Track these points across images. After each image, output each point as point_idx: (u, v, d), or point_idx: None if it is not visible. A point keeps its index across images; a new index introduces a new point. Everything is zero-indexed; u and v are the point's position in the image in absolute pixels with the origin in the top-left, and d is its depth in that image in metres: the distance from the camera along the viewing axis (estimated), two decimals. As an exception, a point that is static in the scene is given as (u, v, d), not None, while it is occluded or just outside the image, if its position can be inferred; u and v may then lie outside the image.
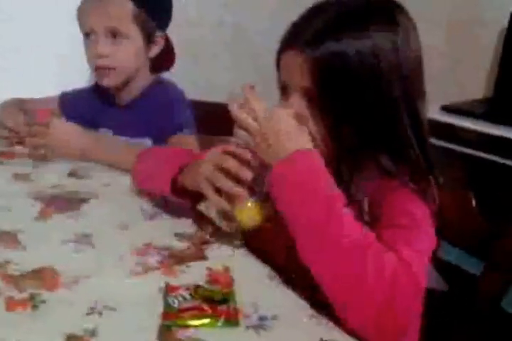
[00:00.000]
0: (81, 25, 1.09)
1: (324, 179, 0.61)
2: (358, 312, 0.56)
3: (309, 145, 0.63)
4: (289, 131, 0.62)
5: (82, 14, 1.08)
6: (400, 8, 0.66)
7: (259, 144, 0.63)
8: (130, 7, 1.07)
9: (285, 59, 0.66)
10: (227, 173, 0.67)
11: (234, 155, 0.67)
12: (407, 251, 0.58)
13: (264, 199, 0.68)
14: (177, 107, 1.13)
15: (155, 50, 1.13)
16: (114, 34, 1.06)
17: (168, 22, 1.15)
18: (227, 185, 0.67)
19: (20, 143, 1.09)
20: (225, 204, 0.69)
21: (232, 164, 0.66)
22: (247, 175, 0.66)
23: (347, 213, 0.59)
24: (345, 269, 0.56)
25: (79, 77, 1.48)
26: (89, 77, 1.35)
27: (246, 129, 0.64)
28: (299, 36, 0.64)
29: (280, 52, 0.67)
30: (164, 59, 1.17)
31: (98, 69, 1.09)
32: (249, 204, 0.68)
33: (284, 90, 0.68)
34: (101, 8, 1.05)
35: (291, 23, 0.67)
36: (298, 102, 0.65)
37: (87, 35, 1.08)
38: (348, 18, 0.63)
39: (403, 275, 0.56)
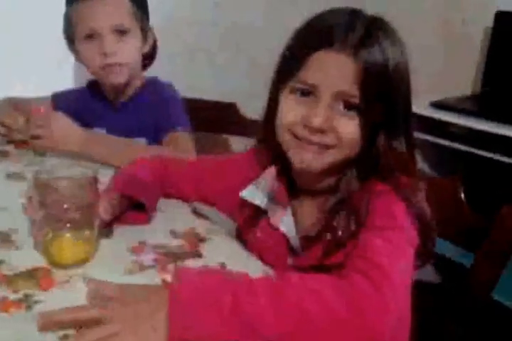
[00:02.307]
0: (79, 27, 1.07)
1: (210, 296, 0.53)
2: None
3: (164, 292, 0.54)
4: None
5: (80, 17, 1.07)
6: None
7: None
8: (128, 3, 1.08)
9: (322, 59, 0.63)
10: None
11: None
12: (381, 250, 0.59)
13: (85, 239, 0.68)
14: (171, 105, 1.13)
15: (147, 46, 1.14)
16: (119, 31, 1.06)
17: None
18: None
19: (17, 142, 1.10)
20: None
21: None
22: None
23: (258, 297, 0.53)
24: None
25: (68, 78, 1.47)
26: (76, 78, 1.34)
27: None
28: (343, 38, 0.62)
29: (310, 51, 0.63)
30: (150, 56, 1.18)
31: (107, 68, 1.08)
32: (64, 241, 0.67)
33: (309, 91, 0.65)
34: (102, 7, 1.05)
35: (319, 22, 0.65)
36: (329, 105, 0.64)
37: (88, 36, 1.06)
38: (380, 26, 0.65)
39: (353, 281, 0.55)
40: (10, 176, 0.97)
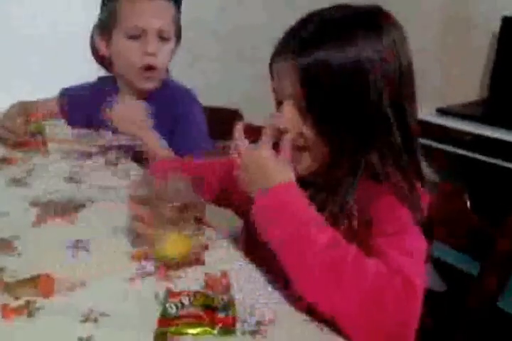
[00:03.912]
0: (126, 24, 1.07)
1: (298, 206, 0.64)
2: (346, 318, 0.57)
3: (287, 176, 0.66)
4: (267, 168, 0.66)
5: (128, 13, 1.07)
6: (387, 17, 0.67)
7: (242, 178, 0.68)
8: (173, 10, 1.10)
9: (276, 68, 0.69)
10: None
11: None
12: (399, 257, 0.59)
13: (191, 233, 0.71)
14: (187, 103, 1.14)
15: (175, 53, 1.15)
16: (162, 37, 1.08)
17: None
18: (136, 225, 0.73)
19: (19, 144, 1.10)
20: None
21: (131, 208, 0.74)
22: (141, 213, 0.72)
23: (322, 232, 0.61)
24: (324, 281, 0.58)
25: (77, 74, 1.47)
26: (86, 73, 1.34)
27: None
28: (287, 45, 0.66)
29: (272, 61, 0.69)
30: None
31: (144, 72, 1.10)
32: (171, 237, 0.70)
33: (278, 98, 0.70)
34: (153, 8, 1.07)
35: (282, 34, 0.68)
36: (290, 109, 0.67)
37: (133, 35, 1.07)
38: (333, 27, 0.65)
39: (391, 279, 0.57)
40: (12, 182, 0.97)
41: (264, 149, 0.67)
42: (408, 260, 0.60)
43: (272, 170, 0.66)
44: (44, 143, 1.11)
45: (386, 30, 0.65)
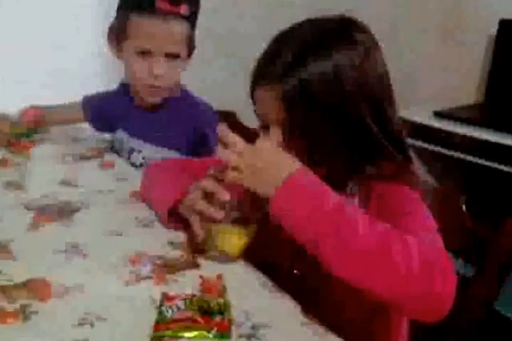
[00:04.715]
0: (135, 42, 1.05)
1: (323, 192, 0.60)
2: (398, 294, 0.56)
3: (297, 164, 0.62)
4: (275, 161, 0.62)
5: (138, 32, 1.04)
6: (357, 26, 0.68)
7: (249, 177, 0.63)
8: (187, 29, 1.07)
9: (258, 93, 0.68)
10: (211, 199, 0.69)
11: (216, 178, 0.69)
12: (423, 233, 0.60)
13: (244, 226, 0.70)
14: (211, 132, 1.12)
15: (188, 63, 1.14)
16: (171, 56, 1.06)
17: None
18: (203, 206, 0.69)
19: (7, 144, 1.12)
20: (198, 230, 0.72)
21: (210, 185, 0.69)
22: (225, 195, 0.67)
23: (357, 214, 0.59)
24: (376, 267, 0.56)
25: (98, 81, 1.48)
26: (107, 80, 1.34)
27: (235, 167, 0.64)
28: (267, 71, 0.67)
29: (253, 87, 0.69)
30: None
31: (149, 89, 1.09)
32: (228, 230, 0.70)
33: (263, 122, 0.70)
34: (166, 31, 1.03)
35: (258, 59, 0.69)
36: (276, 134, 0.67)
37: (141, 52, 1.05)
38: (309, 46, 0.65)
39: (428, 251, 0.57)
40: (8, 186, 0.96)
41: (266, 143, 0.64)
42: (430, 235, 0.60)
43: (282, 161, 0.62)
44: (27, 147, 1.12)
45: (360, 40, 0.66)
